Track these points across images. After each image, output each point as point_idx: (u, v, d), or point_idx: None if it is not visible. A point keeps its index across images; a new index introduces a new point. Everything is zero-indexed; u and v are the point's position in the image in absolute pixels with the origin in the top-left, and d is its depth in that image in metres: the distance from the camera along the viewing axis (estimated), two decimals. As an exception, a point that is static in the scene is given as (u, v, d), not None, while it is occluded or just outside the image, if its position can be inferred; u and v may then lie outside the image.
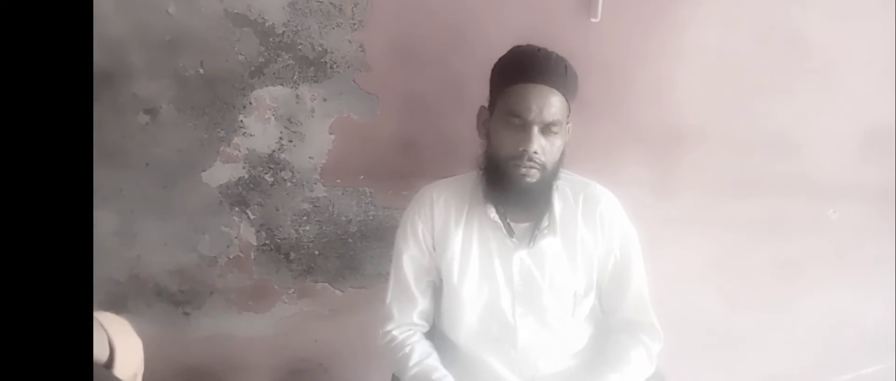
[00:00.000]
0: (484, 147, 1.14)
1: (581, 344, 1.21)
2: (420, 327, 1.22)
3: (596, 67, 1.27)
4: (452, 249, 1.15)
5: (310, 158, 1.44)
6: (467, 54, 1.35)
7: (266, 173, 1.45)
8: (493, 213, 1.13)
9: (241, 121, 1.40)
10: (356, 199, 1.48)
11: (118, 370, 0.68)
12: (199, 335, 1.60)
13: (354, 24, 1.33)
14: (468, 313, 1.17)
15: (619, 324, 1.20)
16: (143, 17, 1.31)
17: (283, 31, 1.34)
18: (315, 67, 1.37)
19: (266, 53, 1.35)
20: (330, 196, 1.47)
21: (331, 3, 1.32)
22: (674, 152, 1.44)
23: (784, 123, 1.41)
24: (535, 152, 1.05)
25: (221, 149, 1.42)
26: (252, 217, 1.49)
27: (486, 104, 1.13)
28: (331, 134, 1.42)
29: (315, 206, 1.48)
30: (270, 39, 1.34)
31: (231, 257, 1.52)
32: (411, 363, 1.14)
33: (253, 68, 1.36)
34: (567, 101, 1.08)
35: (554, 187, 1.13)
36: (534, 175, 1.07)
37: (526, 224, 1.15)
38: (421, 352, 1.16)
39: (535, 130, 1.04)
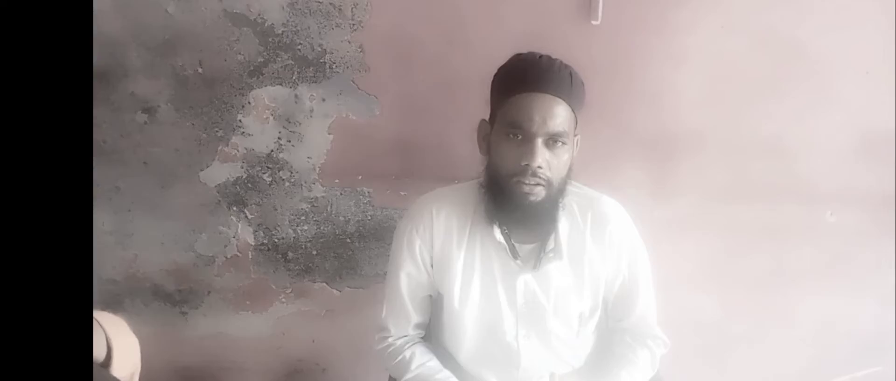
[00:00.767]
0: (485, 163, 1.07)
1: (584, 358, 1.20)
2: (417, 335, 1.20)
3: (595, 69, 1.27)
4: (453, 271, 1.09)
5: (308, 158, 1.44)
6: (467, 55, 1.35)
7: (264, 173, 1.45)
8: (498, 234, 1.06)
9: (240, 121, 1.40)
10: (354, 199, 1.48)
11: (115, 370, 0.68)
12: (196, 335, 1.59)
13: (354, 24, 1.33)
14: (469, 334, 1.13)
15: (624, 332, 1.19)
16: (141, 16, 1.31)
17: (283, 31, 1.33)
18: (314, 68, 1.36)
19: (265, 53, 1.35)
20: (328, 196, 1.47)
21: (330, 4, 1.32)
22: (671, 156, 1.44)
23: (781, 128, 1.41)
24: (540, 167, 0.97)
25: (220, 148, 1.42)
26: (250, 217, 1.49)
27: (487, 117, 1.07)
28: (329, 134, 1.42)
29: (313, 206, 1.48)
30: (269, 39, 1.34)
31: (228, 256, 1.52)
32: (413, 366, 1.13)
33: (252, 68, 1.36)
34: (573, 111, 1.00)
35: (560, 206, 1.05)
36: (538, 193, 0.99)
37: (531, 245, 1.08)
38: (421, 355, 1.15)
39: (539, 142, 0.96)
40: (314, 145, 1.42)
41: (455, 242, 1.09)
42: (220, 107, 1.39)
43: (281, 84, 1.38)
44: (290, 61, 1.36)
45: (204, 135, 1.41)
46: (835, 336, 1.60)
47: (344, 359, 1.64)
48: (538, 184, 0.98)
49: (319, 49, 1.35)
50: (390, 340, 1.18)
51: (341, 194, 1.47)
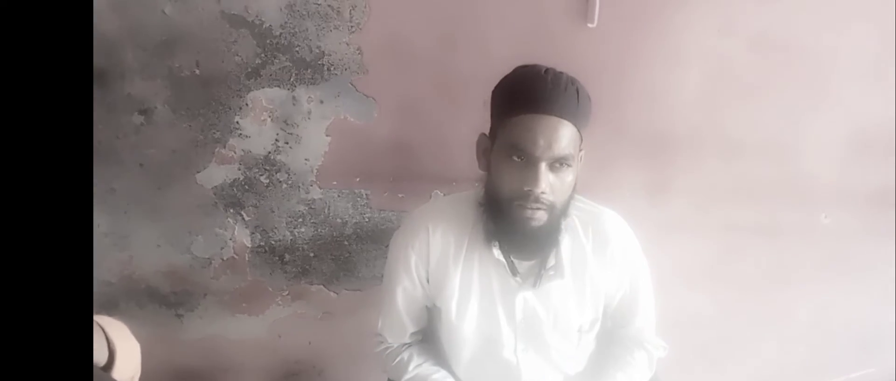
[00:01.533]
0: (484, 180, 1.02)
1: (583, 364, 1.20)
2: (415, 340, 1.20)
3: (591, 71, 1.27)
4: (450, 287, 1.07)
5: (306, 160, 1.43)
6: (465, 58, 1.35)
7: (261, 175, 1.45)
8: (497, 252, 1.03)
9: (237, 122, 1.40)
10: (352, 201, 1.47)
11: (116, 374, 0.68)
12: (192, 338, 1.59)
13: (352, 26, 1.33)
14: (467, 346, 1.12)
15: (622, 336, 1.19)
16: (138, 17, 1.30)
17: (281, 33, 1.33)
18: (312, 69, 1.36)
19: (263, 55, 1.34)
20: (326, 198, 1.47)
21: (328, 6, 1.32)
22: (668, 157, 1.45)
23: (777, 128, 1.42)
24: (543, 193, 0.92)
25: (216, 150, 1.41)
26: (247, 219, 1.48)
27: (486, 126, 1.02)
28: (327, 136, 1.41)
29: (310, 208, 1.48)
30: (267, 41, 1.34)
31: (225, 258, 1.51)
32: (411, 367, 1.14)
33: (249, 70, 1.35)
34: (579, 130, 0.96)
35: (563, 227, 1.01)
36: (541, 217, 0.94)
37: (531, 262, 1.06)
38: (419, 356, 1.16)
39: (543, 166, 0.91)
40: (312, 147, 1.42)
41: (452, 258, 1.06)
42: (217, 108, 1.38)
43: (278, 86, 1.37)
44: (288, 63, 1.35)
45: (201, 136, 1.40)
46: (831, 336, 1.61)
47: (341, 362, 1.64)
48: (540, 209, 0.93)
49: (317, 51, 1.35)
50: (386, 345, 1.19)
51: (339, 196, 1.47)
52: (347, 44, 1.34)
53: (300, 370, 1.65)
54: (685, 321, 1.55)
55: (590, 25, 1.33)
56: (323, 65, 1.36)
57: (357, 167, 1.44)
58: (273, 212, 1.48)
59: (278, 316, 1.58)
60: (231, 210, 1.47)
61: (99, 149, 1.39)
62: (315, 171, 1.44)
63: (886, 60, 1.37)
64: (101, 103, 1.36)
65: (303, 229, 1.49)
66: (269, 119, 1.40)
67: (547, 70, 0.96)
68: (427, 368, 1.14)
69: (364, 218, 1.49)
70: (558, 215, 0.97)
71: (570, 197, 0.99)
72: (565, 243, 1.04)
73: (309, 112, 1.39)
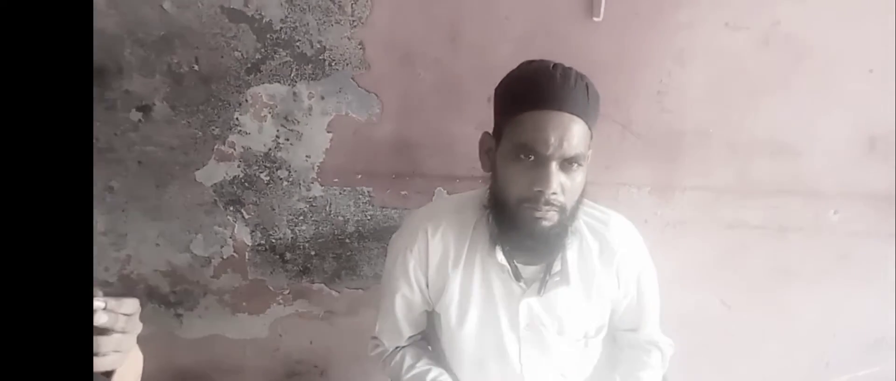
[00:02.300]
0: (489, 183, 0.98)
1: (592, 368, 1.18)
2: (412, 342, 1.19)
3: (597, 67, 1.26)
4: (450, 292, 1.04)
5: (307, 157, 1.42)
6: (469, 52, 1.34)
7: (262, 172, 1.43)
8: (500, 256, 0.99)
9: (237, 119, 1.38)
10: (354, 199, 1.46)
11: (117, 379, 0.68)
12: (191, 337, 1.58)
13: (354, 21, 1.31)
14: (468, 354, 1.10)
15: (631, 338, 1.18)
16: (136, 12, 1.29)
17: (281, 28, 1.31)
18: (313, 65, 1.34)
19: (263, 50, 1.33)
20: (327, 196, 1.45)
21: (330, 0, 1.30)
22: (674, 153, 1.44)
23: (785, 125, 1.41)
24: (554, 194, 0.87)
25: (216, 147, 1.40)
26: (247, 217, 1.46)
27: (490, 123, 0.98)
28: (328, 133, 1.40)
29: (311, 206, 1.46)
30: (267, 36, 1.32)
31: (225, 257, 1.50)
32: (405, 366, 1.13)
33: (249, 65, 1.34)
34: (589, 127, 0.91)
35: (571, 231, 0.97)
36: (551, 218, 0.89)
37: (535, 267, 1.02)
38: (413, 355, 1.15)
39: (554, 166, 0.86)
40: (313, 144, 1.40)
41: (451, 261, 1.03)
42: (217, 105, 1.37)
43: (279, 82, 1.35)
44: (289, 58, 1.34)
45: (200, 133, 1.38)
46: (838, 335, 1.60)
47: (342, 361, 1.63)
48: (551, 209, 0.89)
49: (318, 46, 1.33)
50: (382, 348, 1.18)
51: (340, 193, 1.45)
52: (349, 38, 1.32)
53: (301, 369, 1.63)
54: (692, 318, 1.54)
55: (596, 19, 1.31)
56: (324, 60, 1.34)
57: (359, 164, 1.43)
58: (273, 210, 1.46)
59: (279, 315, 1.56)
60: (231, 208, 1.45)
61: (97, 146, 1.38)
62: (316, 168, 1.42)
63: (897, 56, 1.36)
64: (100, 100, 1.34)
65: (304, 227, 1.48)
66: (269, 115, 1.38)
67: (555, 65, 0.91)
68: (423, 365, 1.13)
69: (366, 216, 1.47)
70: (568, 217, 0.93)
71: (580, 199, 0.95)
72: (572, 248, 1.00)
73: (310, 108, 1.38)
